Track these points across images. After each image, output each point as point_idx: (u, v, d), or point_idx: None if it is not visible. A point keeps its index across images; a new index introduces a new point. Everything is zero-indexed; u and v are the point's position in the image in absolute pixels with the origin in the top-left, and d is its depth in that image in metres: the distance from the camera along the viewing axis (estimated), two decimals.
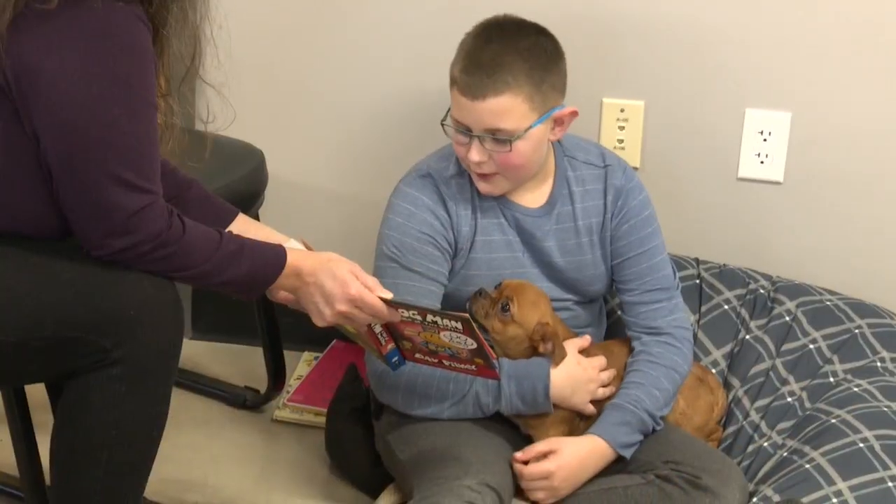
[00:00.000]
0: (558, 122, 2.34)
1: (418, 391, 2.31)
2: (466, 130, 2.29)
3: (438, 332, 2.07)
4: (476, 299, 2.34)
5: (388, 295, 2.06)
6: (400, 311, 2.06)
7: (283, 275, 2.03)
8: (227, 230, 2.10)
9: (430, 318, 2.05)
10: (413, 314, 2.06)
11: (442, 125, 2.34)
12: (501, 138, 2.28)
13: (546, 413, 2.32)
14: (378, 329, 2.12)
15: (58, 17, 1.86)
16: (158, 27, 1.97)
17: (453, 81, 2.30)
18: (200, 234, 1.99)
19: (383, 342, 2.14)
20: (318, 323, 2.09)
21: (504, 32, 2.30)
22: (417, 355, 2.14)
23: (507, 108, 2.26)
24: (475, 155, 2.30)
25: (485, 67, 2.25)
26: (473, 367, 2.12)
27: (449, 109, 2.33)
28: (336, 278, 2.04)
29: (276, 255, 2.04)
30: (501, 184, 2.36)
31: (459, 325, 2.04)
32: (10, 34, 1.86)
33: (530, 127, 2.28)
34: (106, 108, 1.88)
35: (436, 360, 2.14)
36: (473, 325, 2.04)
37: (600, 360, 2.38)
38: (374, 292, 2.05)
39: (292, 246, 2.12)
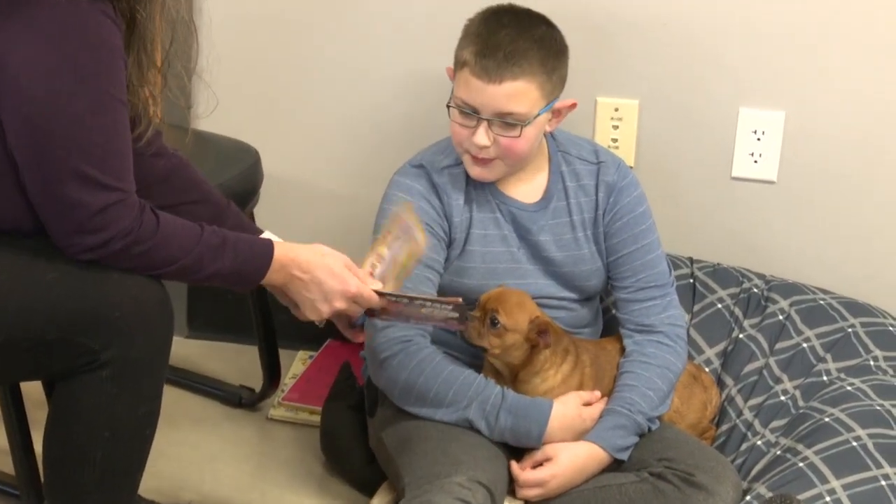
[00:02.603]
0: (556, 113, 2.36)
1: (416, 392, 2.30)
2: (474, 113, 2.29)
3: (420, 310, 2.09)
4: (465, 325, 2.27)
5: (380, 286, 2.08)
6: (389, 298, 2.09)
7: (272, 269, 2.01)
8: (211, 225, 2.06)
9: (418, 303, 2.07)
10: (404, 301, 2.08)
11: (448, 107, 2.33)
12: (511, 122, 2.28)
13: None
14: None
15: (21, 13, 1.85)
16: (135, 17, 1.95)
17: (463, 64, 2.29)
18: (178, 229, 1.96)
19: None
20: (312, 317, 2.08)
21: (517, 19, 2.31)
22: (384, 316, 2.14)
23: (522, 92, 2.27)
24: (482, 138, 2.29)
25: (502, 51, 2.26)
26: (443, 323, 2.13)
27: (451, 93, 2.33)
28: (335, 276, 2.03)
29: (262, 247, 2.02)
30: (498, 169, 2.35)
31: (450, 307, 2.07)
32: None
33: (538, 114, 2.30)
34: (68, 104, 1.86)
35: (405, 321, 2.16)
36: (465, 308, 2.07)
37: (600, 408, 2.34)
38: (367, 284, 2.05)
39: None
